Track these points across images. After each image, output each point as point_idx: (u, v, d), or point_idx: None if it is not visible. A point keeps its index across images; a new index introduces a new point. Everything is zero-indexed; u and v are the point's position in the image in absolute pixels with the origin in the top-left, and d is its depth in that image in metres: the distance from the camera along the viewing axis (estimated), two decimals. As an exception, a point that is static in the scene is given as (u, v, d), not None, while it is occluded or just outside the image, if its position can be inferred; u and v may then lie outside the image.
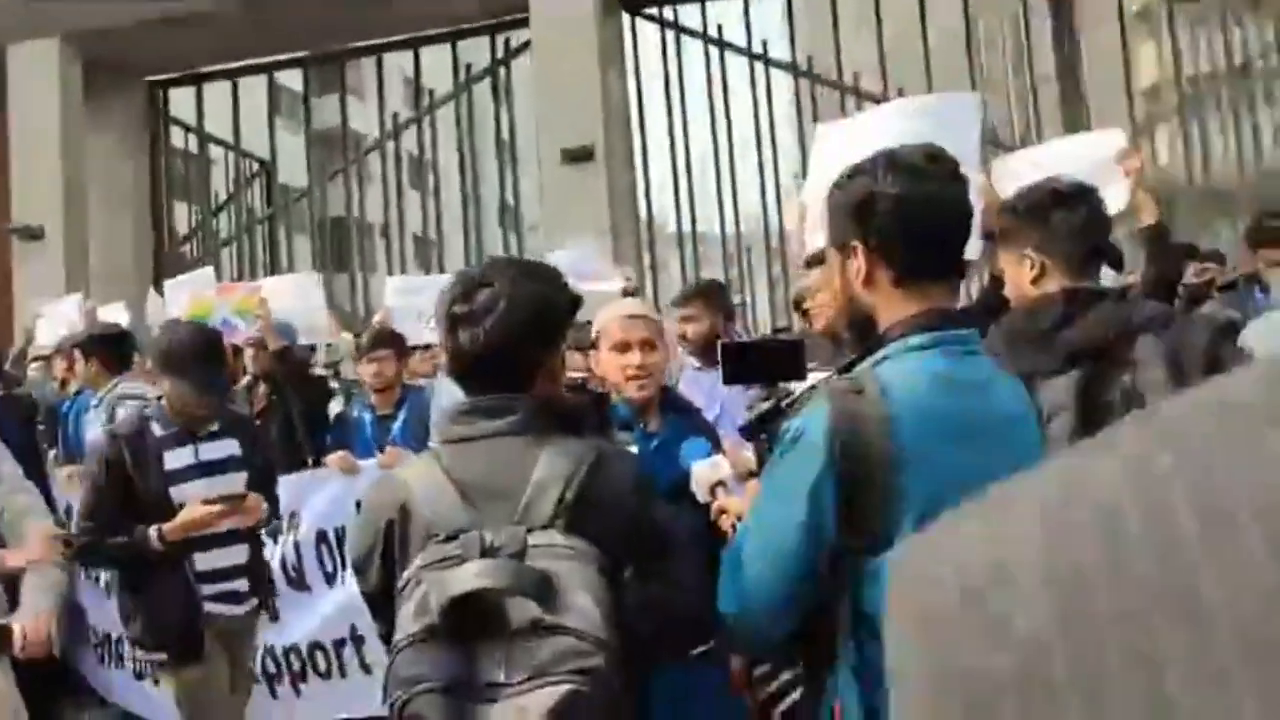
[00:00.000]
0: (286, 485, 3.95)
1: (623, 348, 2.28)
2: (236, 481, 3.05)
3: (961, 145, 1.35)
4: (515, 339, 1.47)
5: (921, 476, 1.21)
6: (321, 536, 3.91)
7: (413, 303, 4.68)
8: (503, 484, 1.42)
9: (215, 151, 8.97)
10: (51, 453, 4.96)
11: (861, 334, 1.36)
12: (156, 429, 3.06)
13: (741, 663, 1.60)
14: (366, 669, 3.80)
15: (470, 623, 1.30)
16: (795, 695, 1.44)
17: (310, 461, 4.15)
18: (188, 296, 4.60)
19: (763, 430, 1.59)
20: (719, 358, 1.85)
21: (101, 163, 8.13)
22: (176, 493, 2.95)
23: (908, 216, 1.29)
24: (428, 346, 4.57)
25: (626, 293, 4.82)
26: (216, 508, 2.94)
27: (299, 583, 3.91)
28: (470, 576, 1.30)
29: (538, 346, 1.53)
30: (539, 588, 1.31)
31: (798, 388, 1.74)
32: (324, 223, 8.77)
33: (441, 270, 11.21)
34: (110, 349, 4.44)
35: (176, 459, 3.00)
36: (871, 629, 1.22)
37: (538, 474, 1.42)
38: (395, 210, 8.28)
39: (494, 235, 9.62)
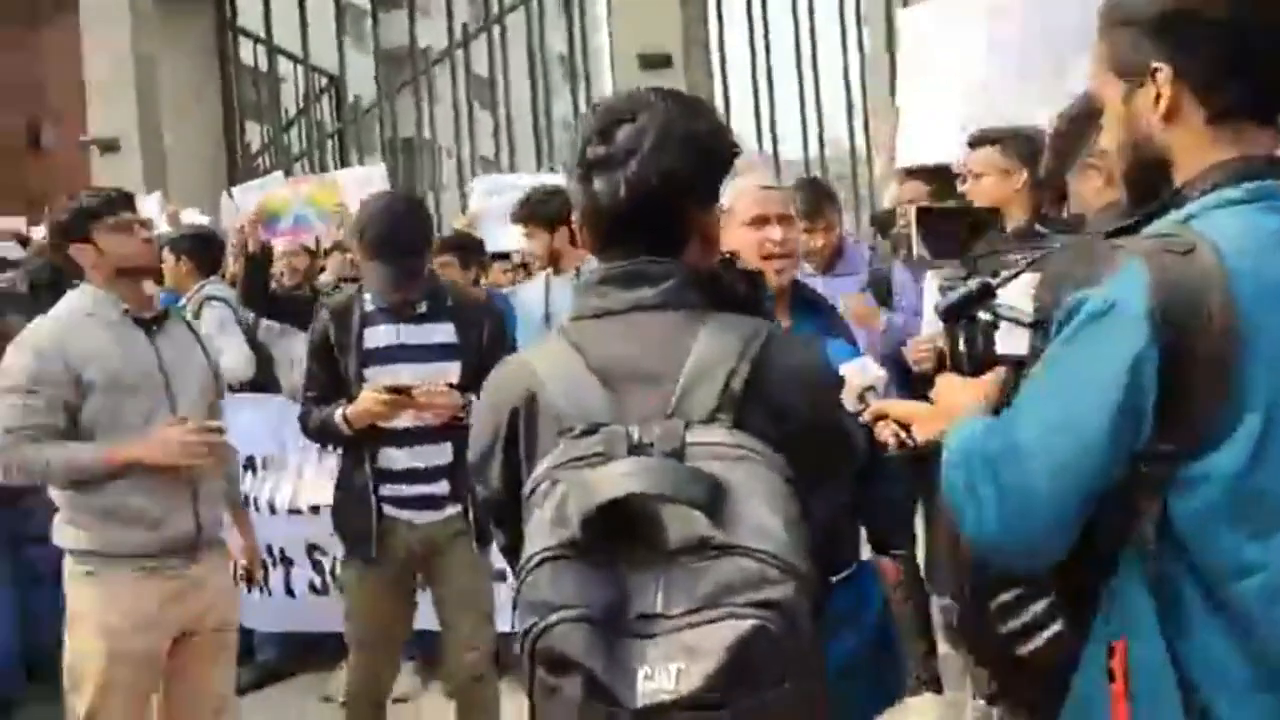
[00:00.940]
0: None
1: (759, 222, 2.05)
2: (444, 371, 2.71)
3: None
4: (666, 188, 1.20)
5: (1264, 360, 0.98)
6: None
7: (499, 204, 4.45)
8: (651, 367, 1.18)
9: (284, 69, 8.87)
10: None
11: (1145, 185, 1.12)
12: (366, 303, 2.78)
13: (965, 592, 1.26)
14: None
15: (620, 537, 1.06)
16: (1053, 630, 1.15)
17: None
18: (258, 197, 4.48)
19: (964, 313, 1.33)
20: (915, 223, 1.67)
21: (173, 76, 8.08)
22: (378, 374, 2.69)
23: (1243, 35, 1.03)
24: (506, 256, 4.43)
25: None
26: (385, 397, 2.62)
27: None
28: (618, 478, 1.06)
29: (693, 199, 1.25)
30: (708, 495, 1.05)
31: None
32: (393, 142, 8.66)
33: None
34: (200, 249, 4.39)
35: (377, 338, 2.73)
36: (1181, 554, 1.01)
37: (696, 356, 1.16)
38: (464, 129, 8.12)
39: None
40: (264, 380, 4.26)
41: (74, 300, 2.58)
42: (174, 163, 7.89)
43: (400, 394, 2.60)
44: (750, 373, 1.16)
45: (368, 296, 2.74)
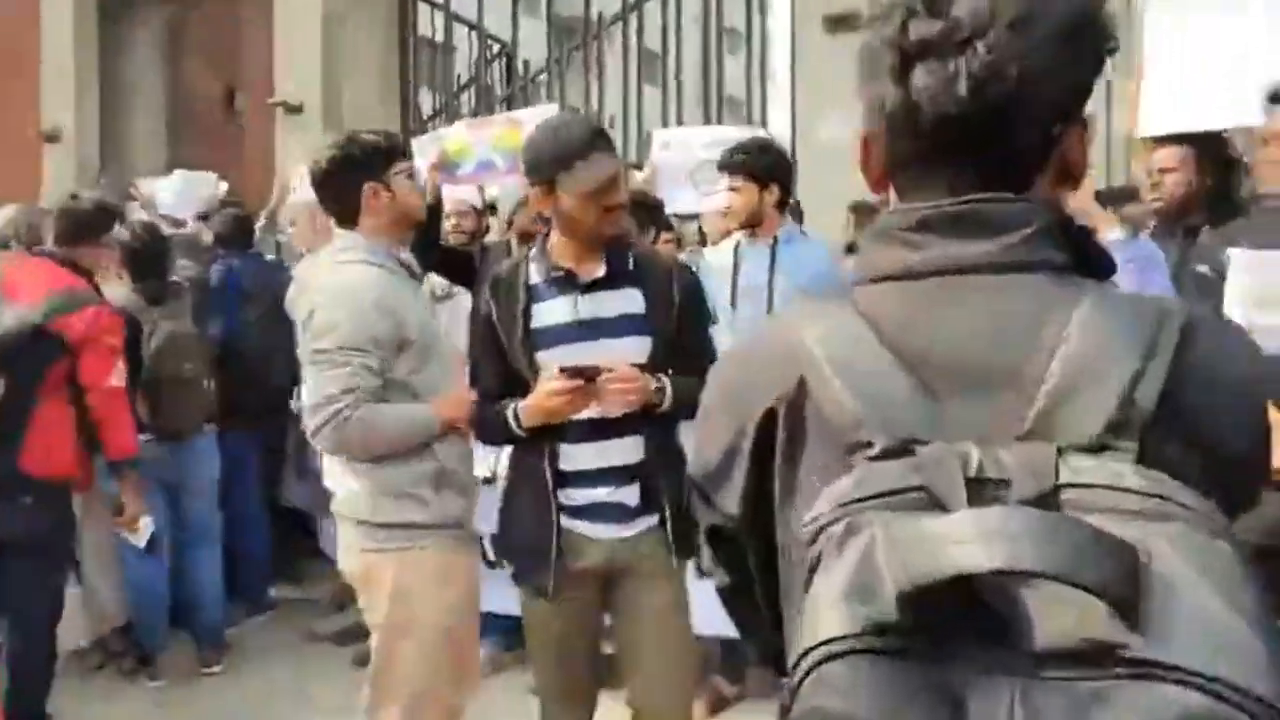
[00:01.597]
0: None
1: None
2: (629, 350, 2.18)
3: None
4: (1028, 88, 0.79)
5: None
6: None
7: (680, 160, 3.94)
8: (991, 358, 0.79)
9: (459, 36, 8.88)
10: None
11: None
12: (534, 273, 2.27)
13: None
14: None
15: (955, 625, 0.67)
16: None
17: None
18: (436, 147, 4.26)
19: None
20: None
21: (355, 43, 8.18)
22: (551, 359, 2.19)
23: None
24: (694, 217, 4.06)
25: None
26: (559, 384, 2.09)
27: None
28: (971, 540, 0.65)
29: (1059, 109, 0.83)
30: (1124, 576, 0.64)
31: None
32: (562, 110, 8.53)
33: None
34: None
35: (547, 313, 2.22)
36: None
37: (1073, 346, 0.76)
38: (632, 100, 7.88)
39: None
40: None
41: (363, 252, 2.34)
42: (351, 126, 7.98)
43: (581, 375, 2.10)
44: (1166, 378, 0.75)
45: (534, 266, 2.28)
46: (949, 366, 0.79)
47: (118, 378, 3.31)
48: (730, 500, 0.89)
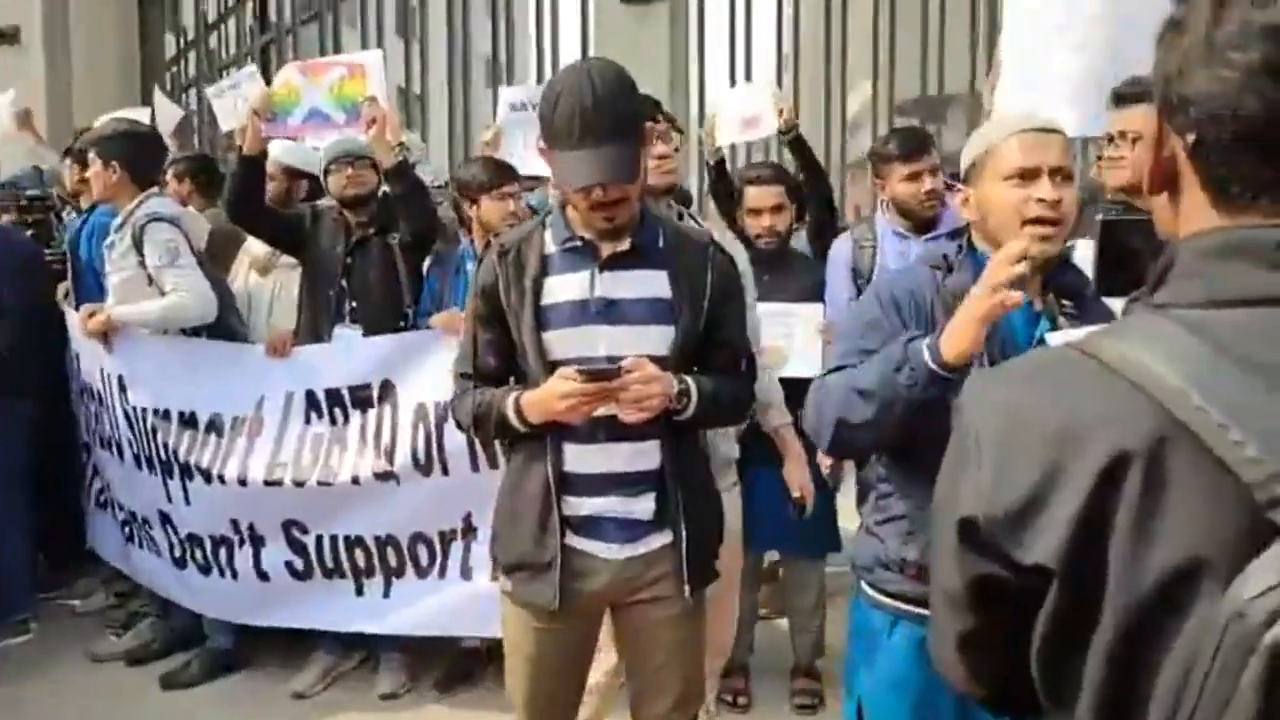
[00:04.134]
0: (379, 347, 3.34)
1: (1026, 176, 1.66)
2: (649, 340, 1.92)
3: None
4: None
5: None
6: (420, 414, 3.23)
7: (531, 121, 3.77)
8: None
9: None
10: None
11: None
12: (548, 240, 1.98)
13: None
14: (467, 573, 3.23)
15: None
16: None
17: (409, 319, 3.45)
18: (254, 86, 3.67)
19: None
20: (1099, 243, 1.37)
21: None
22: (561, 342, 1.93)
23: None
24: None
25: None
26: (573, 387, 1.84)
27: (386, 474, 3.25)
28: None
29: None
30: None
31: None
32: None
33: (423, 129, 10.19)
34: (139, 153, 3.49)
35: (559, 288, 1.94)
36: None
37: None
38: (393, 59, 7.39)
39: (484, 93, 8.72)
40: (224, 324, 3.58)
41: None
42: (80, 61, 6.93)
43: (600, 377, 1.82)
44: None
45: (549, 234, 1.98)
46: None
47: None
48: (1038, 549, 0.77)
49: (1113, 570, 0.75)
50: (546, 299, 1.94)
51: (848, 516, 2.89)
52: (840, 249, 3.41)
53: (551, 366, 1.91)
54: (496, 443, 2.82)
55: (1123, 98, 2.56)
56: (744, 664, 3.41)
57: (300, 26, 7.80)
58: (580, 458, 1.94)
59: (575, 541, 1.96)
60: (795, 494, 2.64)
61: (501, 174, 3.34)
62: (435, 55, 7.67)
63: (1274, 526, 0.68)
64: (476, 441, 3.07)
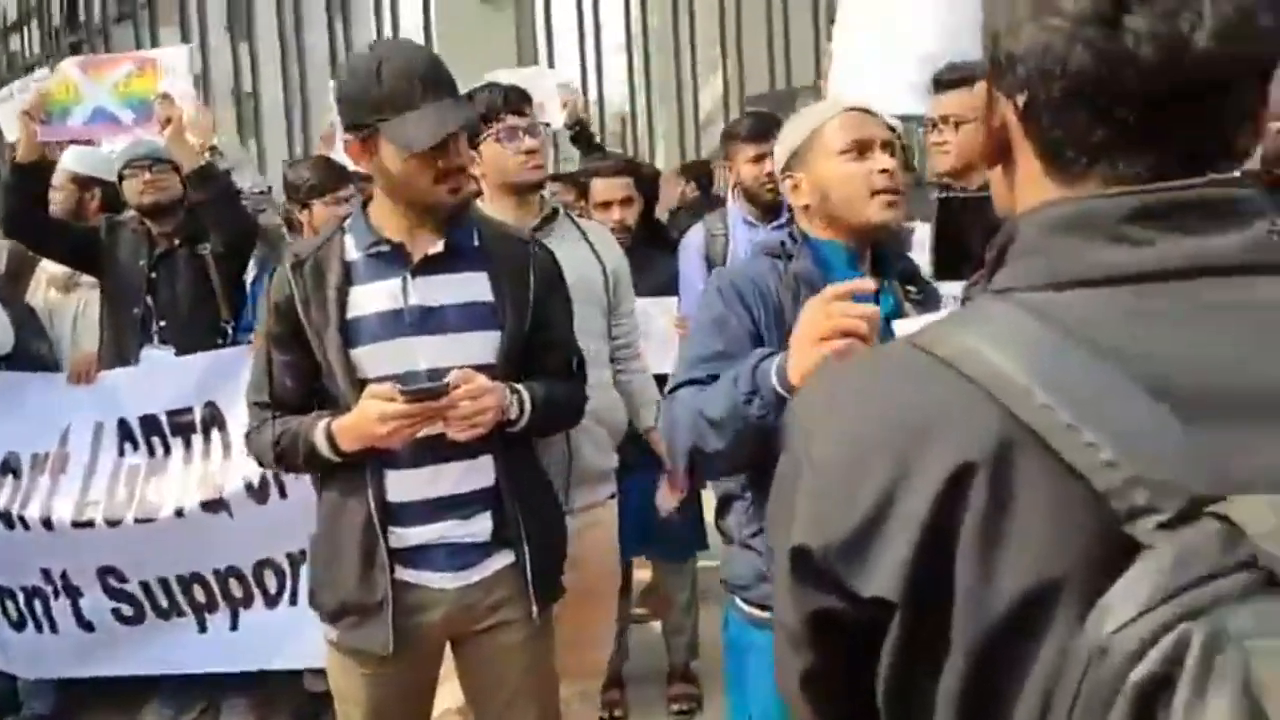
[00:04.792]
0: (195, 367, 3.08)
1: (861, 149, 1.63)
2: (472, 348, 1.77)
3: None
4: (1259, 44, 0.64)
5: None
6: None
7: None
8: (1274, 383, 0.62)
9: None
10: None
11: None
12: (350, 246, 1.80)
13: None
14: (294, 598, 2.98)
15: None
16: None
17: (229, 335, 3.17)
18: (21, 101, 3.30)
19: None
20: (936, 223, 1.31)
21: None
22: (373, 358, 1.75)
23: None
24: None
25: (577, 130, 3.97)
26: (393, 407, 1.66)
27: (215, 503, 2.97)
28: None
29: (1265, 70, 0.68)
30: None
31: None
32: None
33: (257, 130, 9.71)
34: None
35: (367, 299, 1.76)
36: None
37: None
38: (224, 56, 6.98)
39: (323, 89, 8.34)
40: (26, 349, 3.22)
41: None
42: None
43: (426, 397, 1.67)
44: None
45: (350, 239, 1.81)
46: (1207, 396, 0.61)
47: None
48: (877, 579, 0.66)
49: (960, 596, 0.64)
50: (353, 311, 1.77)
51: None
52: (693, 238, 3.37)
53: (363, 386, 1.74)
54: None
55: (942, 83, 2.56)
56: (619, 673, 3.29)
57: (114, 26, 7.28)
58: (405, 484, 1.78)
59: (406, 575, 1.80)
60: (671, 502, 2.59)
61: (334, 176, 3.13)
62: (266, 51, 7.25)
63: (1133, 542, 0.57)
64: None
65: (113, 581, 3.10)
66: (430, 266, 1.77)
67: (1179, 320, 0.64)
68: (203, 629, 3.10)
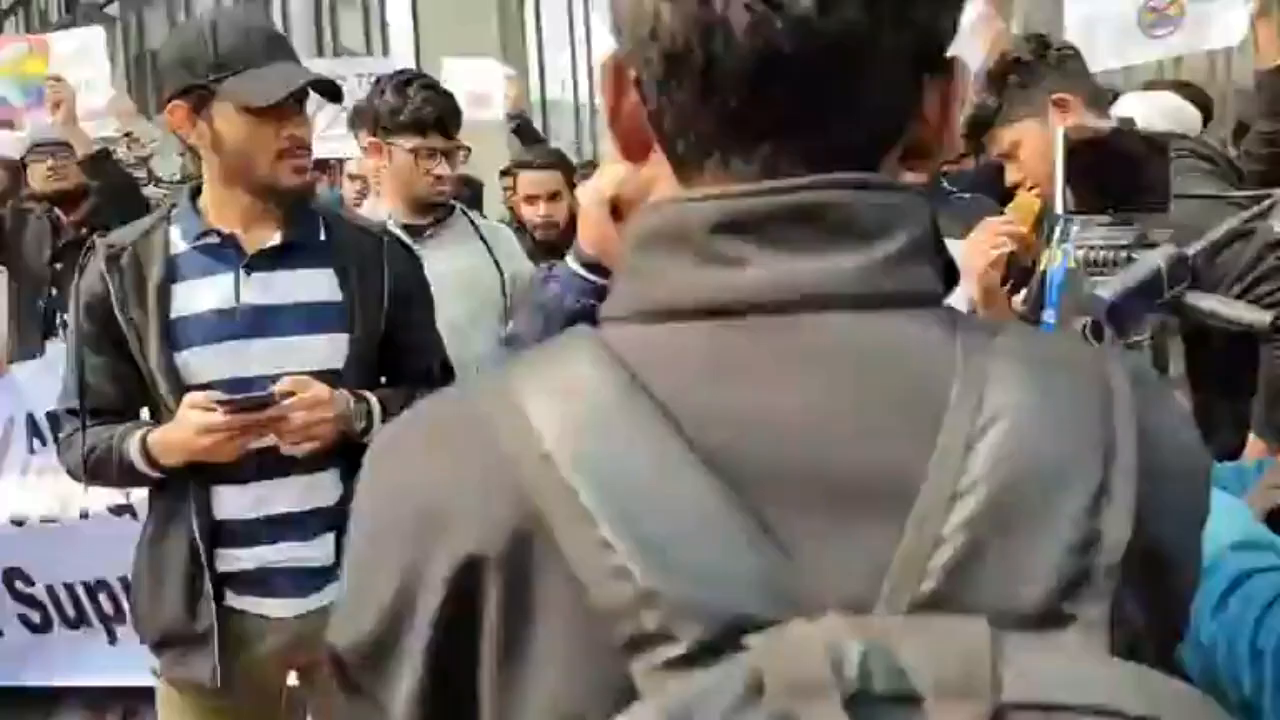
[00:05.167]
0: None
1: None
2: (315, 353, 1.62)
3: None
4: (899, 25, 0.49)
5: None
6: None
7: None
8: (865, 458, 0.46)
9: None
10: None
11: None
12: (175, 237, 1.63)
13: None
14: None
15: None
16: None
17: None
18: None
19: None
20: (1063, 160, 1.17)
21: None
22: (201, 363, 1.59)
23: None
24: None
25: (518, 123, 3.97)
26: (214, 418, 1.51)
27: (121, 508, 2.82)
28: None
29: (927, 54, 0.51)
30: None
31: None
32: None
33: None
34: None
35: (193, 296, 1.60)
36: None
37: (998, 437, 0.45)
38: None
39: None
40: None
41: None
42: None
43: (249, 409, 1.52)
44: (1139, 489, 0.46)
45: (176, 230, 1.63)
46: (784, 474, 0.46)
47: None
48: (393, 694, 0.50)
49: None
50: (178, 311, 1.60)
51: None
52: None
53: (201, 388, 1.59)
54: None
55: None
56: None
57: (5, 18, 7.21)
58: (235, 501, 1.62)
59: (237, 602, 1.65)
60: None
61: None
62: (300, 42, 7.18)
63: (630, 682, 0.42)
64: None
65: (19, 585, 3.02)
66: (267, 261, 1.61)
67: (765, 372, 0.48)
68: (113, 640, 3.02)
